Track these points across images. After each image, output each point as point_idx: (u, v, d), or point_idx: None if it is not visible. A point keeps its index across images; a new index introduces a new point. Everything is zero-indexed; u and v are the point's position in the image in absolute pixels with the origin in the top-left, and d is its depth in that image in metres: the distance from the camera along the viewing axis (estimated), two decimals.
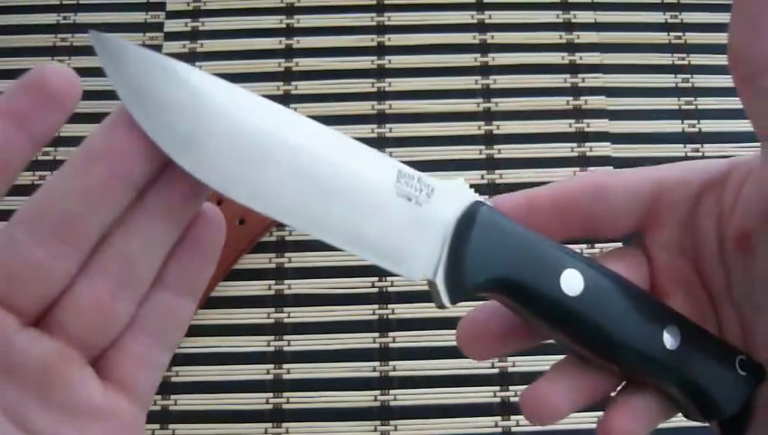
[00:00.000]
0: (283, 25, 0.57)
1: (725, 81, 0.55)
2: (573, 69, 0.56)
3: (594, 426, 0.47)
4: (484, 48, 0.56)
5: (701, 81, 0.55)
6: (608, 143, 0.54)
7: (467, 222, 0.23)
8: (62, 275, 0.21)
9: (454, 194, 0.24)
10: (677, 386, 0.24)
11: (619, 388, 0.26)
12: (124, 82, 0.21)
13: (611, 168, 0.53)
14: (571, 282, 0.23)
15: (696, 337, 0.24)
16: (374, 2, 0.57)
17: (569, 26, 0.57)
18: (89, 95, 0.62)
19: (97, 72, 0.63)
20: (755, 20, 0.21)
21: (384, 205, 0.23)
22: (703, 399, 0.24)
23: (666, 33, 0.57)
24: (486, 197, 0.24)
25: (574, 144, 0.54)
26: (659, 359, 0.24)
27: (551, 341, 0.26)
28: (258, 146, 0.21)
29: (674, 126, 0.54)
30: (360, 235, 0.22)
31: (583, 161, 0.53)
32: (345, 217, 0.22)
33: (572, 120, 0.54)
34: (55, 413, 0.21)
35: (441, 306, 0.23)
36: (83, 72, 0.64)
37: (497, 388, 0.48)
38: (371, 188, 0.22)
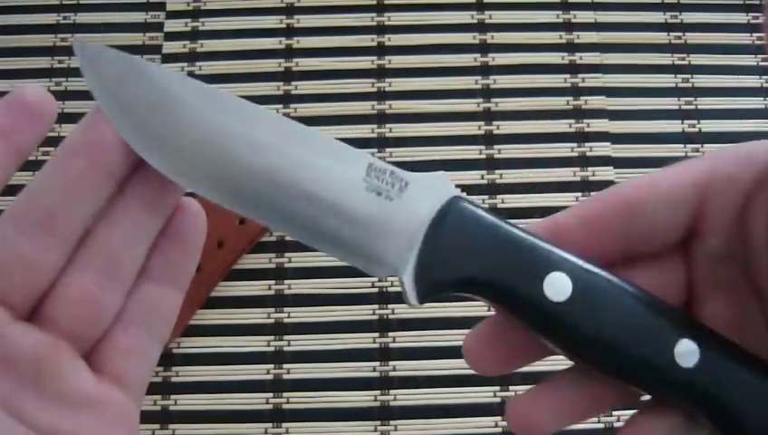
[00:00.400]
0: (283, 25, 0.57)
1: (725, 81, 0.55)
2: (573, 69, 0.56)
3: (596, 426, 0.47)
4: (484, 48, 0.56)
5: (701, 81, 0.55)
6: (608, 143, 0.54)
7: (441, 219, 0.22)
8: (50, 267, 0.21)
9: (430, 189, 0.22)
10: (696, 407, 0.21)
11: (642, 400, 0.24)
12: (98, 83, 0.22)
13: (612, 167, 0.53)
14: (557, 286, 0.21)
15: (719, 352, 0.21)
16: (374, 2, 0.57)
17: (569, 26, 0.57)
18: (87, 95, 0.62)
19: None
20: None
21: (351, 200, 0.22)
22: (730, 422, 0.21)
23: (666, 33, 0.57)
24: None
25: (574, 144, 0.54)
26: (670, 376, 0.21)
27: None
28: (223, 144, 0.22)
29: (674, 126, 0.54)
30: (326, 230, 0.22)
31: (583, 161, 0.53)
32: (310, 212, 0.22)
33: (572, 120, 0.54)
34: (49, 404, 0.21)
35: (410, 305, 0.22)
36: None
37: (497, 388, 0.48)
38: (339, 183, 0.22)
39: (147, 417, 0.48)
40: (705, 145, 0.54)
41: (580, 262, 0.22)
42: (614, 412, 0.46)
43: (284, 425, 0.48)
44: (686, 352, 0.21)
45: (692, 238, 0.23)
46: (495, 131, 0.54)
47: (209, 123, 0.22)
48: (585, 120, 0.54)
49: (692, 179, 0.23)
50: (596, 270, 0.22)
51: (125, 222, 0.22)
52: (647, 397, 0.23)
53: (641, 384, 0.22)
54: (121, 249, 0.22)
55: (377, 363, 0.49)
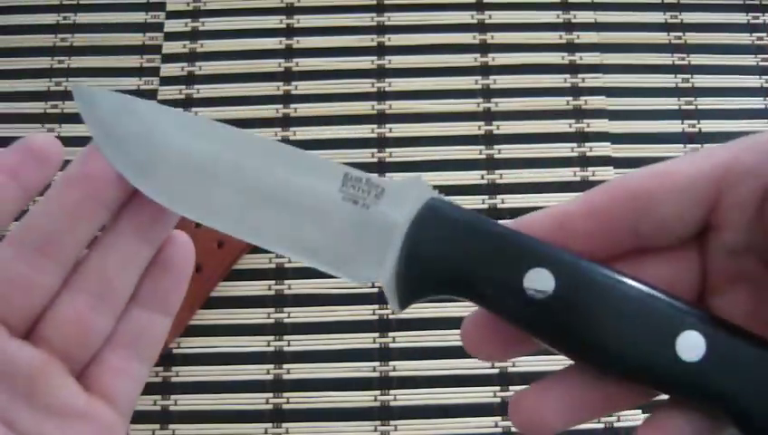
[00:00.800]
0: (283, 25, 0.57)
1: (725, 81, 0.55)
2: (573, 69, 0.56)
3: (596, 426, 0.47)
4: (484, 48, 0.56)
5: (701, 81, 0.55)
6: (608, 143, 0.54)
7: (419, 223, 0.22)
8: (46, 289, 0.23)
9: (406, 194, 0.22)
10: (709, 404, 0.20)
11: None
12: (95, 122, 0.24)
13: (611, 167, 0.53)
14: (538, 280, 0.20)
15: (728, 343, 0.20)
16: (374, 2, 0.57)
17: (569, 26, 0.57)
18: None
19: (97, 73, 0.63)
20: None
21: (328, 210, 0.23)
22: (745, 420, 0.19)
23: (666, 33, 0.57)
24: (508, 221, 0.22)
25: (574, 144, 0.54)
26: (673, 372, 0.20)
27: None
28: (202, 168, 0.23)
29: (674, 126, 0.54)
30: (306, 243, 0.23)
31: (583, 161, 0.53)
32: (290, 227, 0.23)
33: (572, 120, 0.54)
34: (41, 416, 0.23)
35: (393, 311, 0.23)
36: (83, 72, 0.64)
37: (497, 388, 0.48)
38: (315, 196, 0.23)
39: (147, 417, 0.48)
40: (706, 145, 0.54)
41: (565, 256, 0.21)
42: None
43: (284, 425, 0.48)
44: (690, 344, 0.20)
45: (707, 232, 0.22)
46: (495, 131, 0.54)
47: (192, 152, 0.24)
48: (585, 120, 0.54)
49: (708, 171, 0.21)
50: (583, 263, 0.21)
51: (119, 249, 0.24)
52: (664, 396, 0.22)
53: (645, 382, 0.21)
54: (114, 275, 0.24)
55: (377, 363, 0.49)
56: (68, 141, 0.54)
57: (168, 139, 0.24)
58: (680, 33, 0.57)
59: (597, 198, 0.22)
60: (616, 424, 0.47)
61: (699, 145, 0.54)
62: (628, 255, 0.22)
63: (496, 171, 0.53)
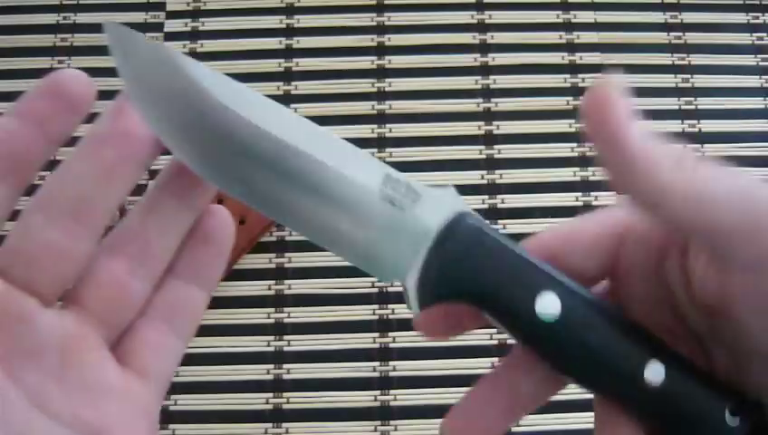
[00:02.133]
0: (283, 25, 0.57)
1: (725, 81, 0.55)
2: (573, 69, 0.56)
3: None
4: (484, 48, 0.56)
5: (701, 81, 0.55)
6: None
7: (448, 232, 0.23)
8: (80, 256, 0.21)
9: (440, 203, 0.23)
10: (660, 422, 0.22)
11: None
12: (129, 72, 0.22)
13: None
14: (547, 305, 0.22)
15: (683, 375, 0.22)
16: (374, 2, 0.57)
17: (569, 26, 0.57)
18: None
19: (98, 72, 0.63)
20: None
21: (366, 207, 0.23)
22: None
23: (666, 33, 0.57)
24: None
25: (574, 144, 0.54)
26: (639, 395, 0.22)
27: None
28: (247, 141, 0.22)
29: (674, 126, 0.54)
30: (339, 235, 0.23)
31: (583, 161, 0.53)
32: (326, 216, 0.22)
33: (572, 121, 0.54)
34: (74, 394, 0.21)
35: (411, 311, 0.23)
36: (84, 72, 0.63)
37: None
38: (355, 189, 0.23)
39: None
40: (705, 145, 0.54)
41: (568, 283, 0.23)
42: None
43: (284, 425, 0.48)
44: (654, 372, 0.22)
45: (617, 284, 0.24)
46: (495, 131, 0.54)
47: (235, 120, 0.22)
48: None
49: (608, 234, 0.24)
50: (581, 291, 0.23)
51: (158, 211, 0.23)
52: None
53: (614, 398, 0.23)
54: (153, 237, 0.23)
55: (377, 363, 0.49)
56: (68, 142, 0.54)
57: (209, 101, 0.22)
58: (680, 33, 0.57)
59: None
60: None
61: (699, 145, 0.54)
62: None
63: (496, 171, 0.53)
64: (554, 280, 0.22)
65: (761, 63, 0.56)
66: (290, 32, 0.57)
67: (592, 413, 0.24)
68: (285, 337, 0.50)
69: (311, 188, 0.22)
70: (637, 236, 0.23)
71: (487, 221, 0.24)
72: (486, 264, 0.22)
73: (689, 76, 0.55)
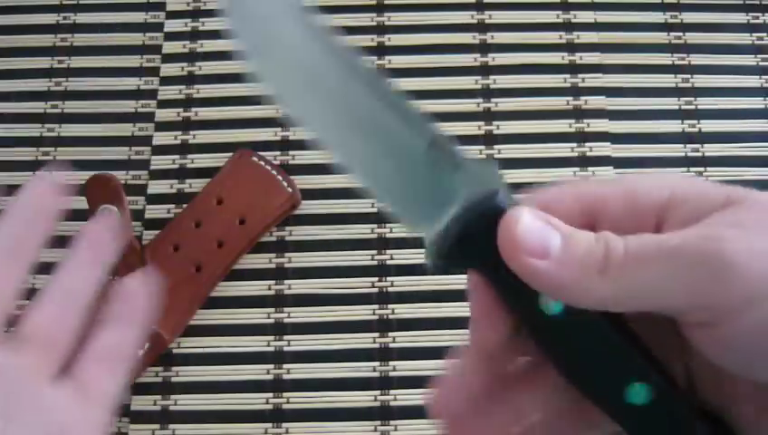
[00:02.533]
0: None
1: (725, 81, 0.55)
2: (573, 69, 0.56)
3: None
4: (484, 48, 0.56)
5: (701, 81, 0.55)
6: (608, 143, 0.54)
7: (476, 204, 0.23)
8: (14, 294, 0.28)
9: (479, 175, 0.24)
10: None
11: None
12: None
13: (611, 167, 0.53)
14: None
15: (667, 393, 0.22)
16: (374, 2, 0.57)
17: (569, 26, 0.57)
18: (87, 95, 0.62)
19: (96, 72, 0.62)
20: None
21: (410, 160, 0.24)
22: None
23: (666, 33, 0.57)
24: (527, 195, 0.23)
25: (574, 144, 0.54)
26: (624, 409, 0.22)
27: None
28: (317, 68, 0.25)
29: (674, 126, 0.54)
30: (381, 177, 0.25)
31: (583, 161, 0.53)
32: (373, 157, 0.24)
33: (572, 120, 0.54)
34: (26, 415, 0.26)
35: (426, 263, 0.24)
36: (83, 72, 0.63)
37: None
38: (403, 143, 0.25)
39: (147, 417, 0.48)
40: (705, 145, 0.54)
41: None
42: None
43: (284, 425, 0.48)
44: (639, 391, 0.22)
45: None
46: (495, 131, 0.54)
47: (311, 43, 0.25)
48: (585, 120, 0.54)
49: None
50: None
51: (79, 266, 0.31)
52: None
53: (603, 408, 0.23)
54: (78, 288, 0.30)
55: (377, 363, 0.49)
56: (68, 141, 0.54)
57: (290, 33, 0.25)
58: (680, 33, 0.57)
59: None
60: None
61: (699, 145, 0.54)
62: None
63: None
64: None
65: (761, 63, 0.56)
66: None
67: None
68: (285, 337, 0.50)
69: (364, 129, 0.25)
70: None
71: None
72: (494, 243, 0.22)
73: (689, 76, 0.55)
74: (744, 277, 0.19)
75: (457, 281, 0.49)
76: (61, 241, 0.52)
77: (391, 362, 0.49)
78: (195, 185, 0.53)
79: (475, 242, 0.23)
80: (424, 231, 0.24)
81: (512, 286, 0.22)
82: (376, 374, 0.49)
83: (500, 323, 0.23)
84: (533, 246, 0.21)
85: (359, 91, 0.25)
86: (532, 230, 0.21)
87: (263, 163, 0.52)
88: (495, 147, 0.53)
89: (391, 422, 0.48)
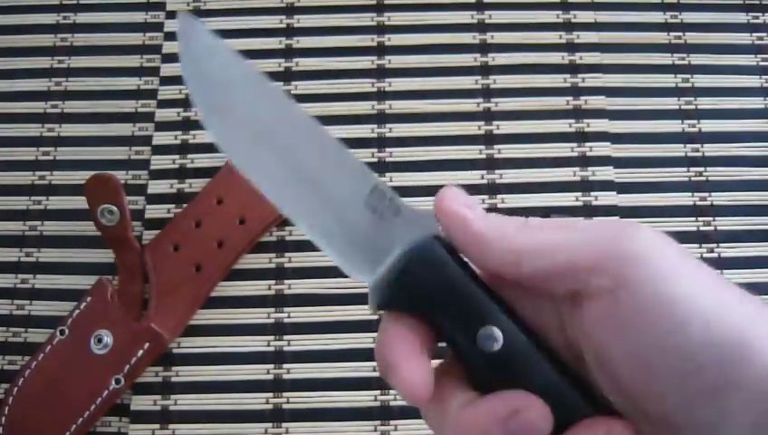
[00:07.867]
0: (283, 25, 0.57)
1: (725, 81, 0.55)
2: (573, 69, 0.56)
3: None
4: (484, 48, 0.56)
5: (701, 81, 0.55)
6: (608, 143, 0.54)
7: (416, 251, 0.24)
8: None
9: (417, 222, 0.25)
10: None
11: None
12: (188, 54, 0.27)
13: (611, 167, 0.53)
14: (488, 338, 0.24)
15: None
16: (374, 2, 0.57)
17: (569, 26, 0.57)
18: (87, 95, 0.62)
19: (96, 72, 0.62)
20: None
21: (350, 209, 0.26)
22: None
23: (666, 33, 0.57)
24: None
25: (574, 144, 0.54)
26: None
27: None
28: (267, 125, 0.26)
29: (674, 126, 0.54)
30: (324, 228, 0.26)
31: (583, 161, 0.53)
32: (315, 209, 0.26)
33: (572, 120, 0.54)
34: None
35: (369, 308, 0.25)
36: (83, 72, 0.63)
37: None
38: (344, 193, 0.26)
39: (147, 417, 0.48)
40: (705, 145, 0.54)
41: (514, 320, 0.24)
42: None
43: (284, 425, 0.48)
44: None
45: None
46: (495, 131, 0.54)
47: (258, 113, 0.26)
48: (585, 120, 0.54)
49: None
50: (525, 331, 0.24)
51: None
52: None
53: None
54: None
55: (377, 363, 0.49)
56: (68, 141, 0.54)
57: (242, 93, 0.27)
58: (680, 33, 0.57)
59: None
60: None
61: (699, 145, 0.54)
62: None
63: (496, 171, 0.53)
64: (502, 315, 0.24)
65: (761, 63, 0.56)
66: (290, 32, 0.57)
67: None
68: (285, 337, 0.50)
69: (307, 181, 0.26)
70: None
71: None
72: (439, 289, 0.24)
73: (689, 76, 0.55)
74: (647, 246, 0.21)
75: None
76: (61, 241, 0.52)
77: None
78: (195, 185, 0.53)
79: (415, 285, 0.24)
80: (366, 278, 0.25)
81: (452, 328, 0.25)
82: (376, 374, 0.49)
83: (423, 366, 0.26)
84: (466, 201, 0.24)
85: (301, 147, 0.26)
86: (465, 194, 0.24)
87: None
88: (495, 147, 0.53)
89: (391, 422, 0.48)
